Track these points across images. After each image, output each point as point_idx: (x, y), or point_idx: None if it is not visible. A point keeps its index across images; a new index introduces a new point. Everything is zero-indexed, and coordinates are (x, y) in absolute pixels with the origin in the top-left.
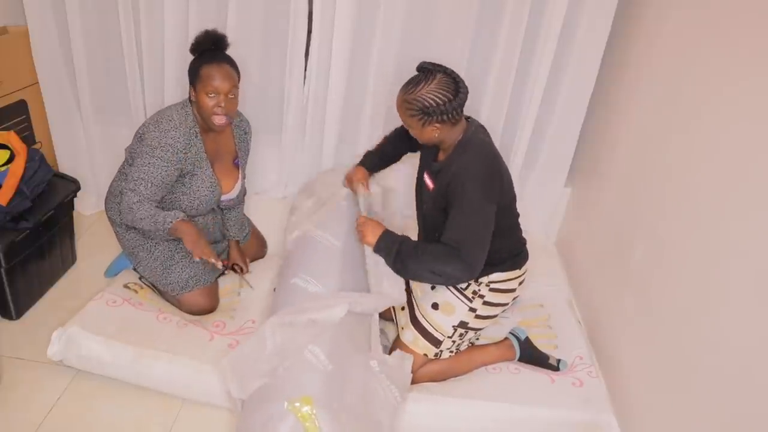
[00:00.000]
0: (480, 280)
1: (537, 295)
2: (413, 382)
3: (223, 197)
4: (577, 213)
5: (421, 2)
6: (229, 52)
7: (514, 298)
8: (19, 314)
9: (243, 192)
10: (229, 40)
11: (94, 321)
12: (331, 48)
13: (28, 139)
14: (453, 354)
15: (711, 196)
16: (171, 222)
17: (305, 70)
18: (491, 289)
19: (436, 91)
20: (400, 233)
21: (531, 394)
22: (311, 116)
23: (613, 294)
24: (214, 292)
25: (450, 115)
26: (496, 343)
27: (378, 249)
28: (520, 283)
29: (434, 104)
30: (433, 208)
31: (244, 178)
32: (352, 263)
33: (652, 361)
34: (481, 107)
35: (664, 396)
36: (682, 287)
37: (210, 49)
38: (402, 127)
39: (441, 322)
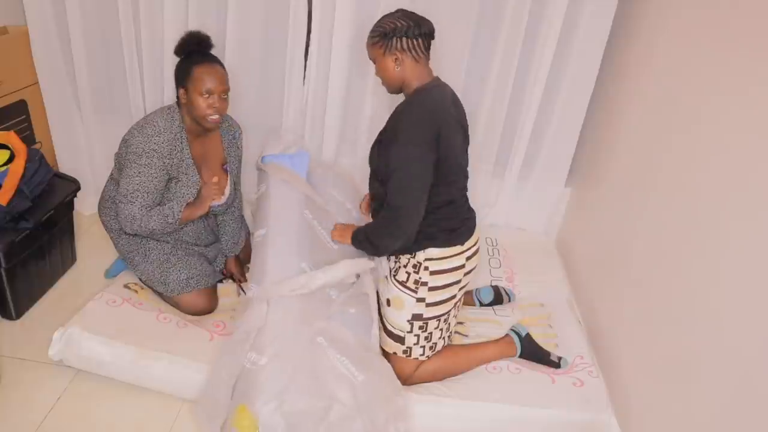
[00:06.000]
0: (417, 260)
1: (537, 295)
2: (413, 383)
3: (212, 203)
4: (577, 213)
5: (421, 2)
6: (230, 51)
7: (467, 273)
8: (19, 314)
9: (234, 198)
10: (229, 39)
11: (94, 321)
12: (331, 48)
13: (28, 139)
14: (428, 350)
15: (711, 195)
16: (179, 212)
17: (305, 70)
18: (432, 273)
19: (397, 18)
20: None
21: (532, 394)
22: (311, 116)
23: (613, 294)
24: (213, 293)
25: (411, 43)
26: (496, 340)
27: (355, 245)
28: (469, 258)
29: (394, 26)
30: (373, 177)
31: (234, 183)
32: (281, 243)
33: (652, 361)
34: (481, 107)
35: (663, 396)
36: (681, 287)
37: (196, 50)
38: None
39: (396, 319)
